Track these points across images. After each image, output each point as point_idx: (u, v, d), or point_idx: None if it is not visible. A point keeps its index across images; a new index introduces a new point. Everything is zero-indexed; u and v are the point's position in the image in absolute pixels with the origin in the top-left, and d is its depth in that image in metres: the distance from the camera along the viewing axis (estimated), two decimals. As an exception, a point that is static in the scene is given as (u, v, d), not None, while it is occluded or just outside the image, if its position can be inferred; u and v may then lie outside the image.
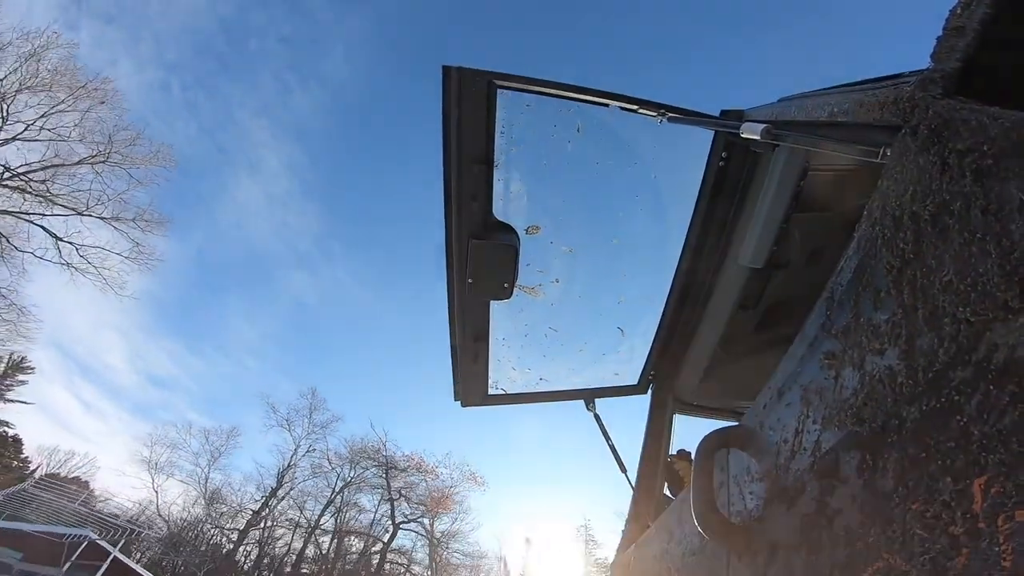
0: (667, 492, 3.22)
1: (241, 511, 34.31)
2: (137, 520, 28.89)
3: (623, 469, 3.36)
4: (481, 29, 47.66)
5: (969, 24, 0.76)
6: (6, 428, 31.68)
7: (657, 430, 3.28)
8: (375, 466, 35.31)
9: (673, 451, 3.25)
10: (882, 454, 0.66)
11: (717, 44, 48.17)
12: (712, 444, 1.19)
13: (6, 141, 23.26)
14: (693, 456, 1.19)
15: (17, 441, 32.71)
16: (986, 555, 0.46)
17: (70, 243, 24.49)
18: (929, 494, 0.56)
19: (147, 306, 43.99)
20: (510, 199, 2.27)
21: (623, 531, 3.22)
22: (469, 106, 1.96)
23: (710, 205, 2.35)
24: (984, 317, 0.54)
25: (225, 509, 34.37)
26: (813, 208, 2.04)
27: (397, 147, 47.87)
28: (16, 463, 33.13)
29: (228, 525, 33.81)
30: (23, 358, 27.73)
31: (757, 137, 1.55)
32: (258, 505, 34.20)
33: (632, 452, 3.39)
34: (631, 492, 3.26)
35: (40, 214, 24.07)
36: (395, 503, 34.84)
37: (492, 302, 2.55)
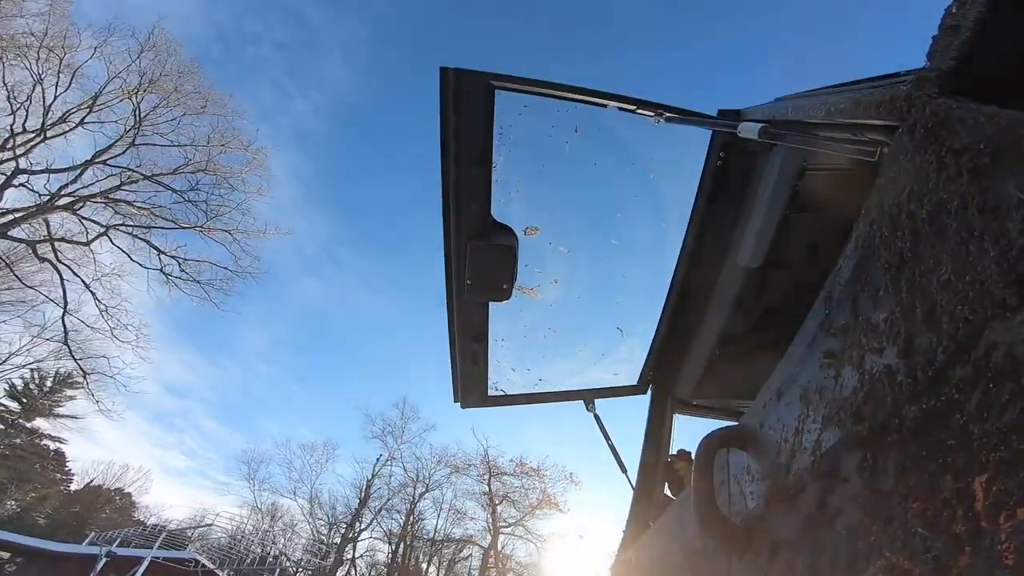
0: (667, 493, 3.22)
1: (336, 524, 34.46)
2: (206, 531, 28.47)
3: (623, 469, 3.36)
4: (477, 29, 47.70)
5: (964, 23, 0.77)
6: (47, 443, 31.63)
7: (657, 430, 3.28)
8: (477, 471, 35.27)
9: (673, 451, 3.25)
10: (883, 453, 0.66)
11: (712, 44, 48.29)
12: (712, 444, 1.19)
13: (132, 146, 22.14)
14: (693, 456, 1.19)
15: (60, 455, 32.92)
16: (989, 553, 0.46)
17: (173, 257, 23.18)
18: (930, 493, 0.56)
19: (157, 314, 44.06)
20: (509, 200, 2.27)
21: (623, 532, 3.22)
22: (467, 107, 1.96)
23: (708, 205, 2.35)
24: (982, 315, 0.54)
25: (324, 525, 34.48)
26: (811, 207, 2.04)
27: (400, 148, 47.86)
28: (59, 475, 33.43)
29: (329, 541, 33.85)
30: (70, 373, 26.76)
31: (755, 137, 1.55)
32: (350, 517, 34.27)
33: (632, 452, 3.39)
34: (631, 493, 3.25)
35: (144, 227, 22.79)
36: (497, 508, 34.48)
37: (491, 303, 2.54)
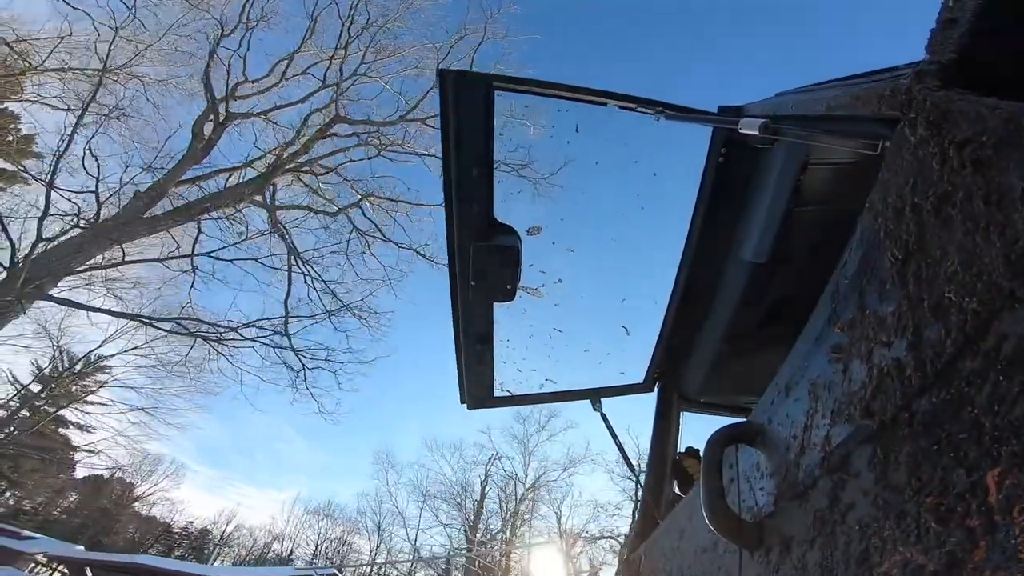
0: (676, 490, 3.22)
1: (460, 527, 34.47)
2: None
3: (631, 467, 3.35)
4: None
5: (962, 16, 0.77)
6: (60, 430, 30.77)
7: (664, 428, 3.27)
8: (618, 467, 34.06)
9: (681, 449, 3.25)
10: (894, 447, 0.66)
11: (709, 42, 48.09)
12: (720, 441, 1.19)
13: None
14: (701, 453, 1.19)
15: (68, 442, 31.94)
16: (1003, 547, 0.46)
17: (365, 235, 18.63)
18: (943, 487, 0.55)
19: (155, 311, 43.92)
20: (511, 200, 2.27)
21: (632, 529, 3.21)
22: (467, 109, 1.96)
23: (711, 201, 2.34)
24: (991, 307, 0.54)
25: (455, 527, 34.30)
26: (814, 202, 2.03)
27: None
28: (68, 467, 32.96)
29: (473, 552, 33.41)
30: (100, 357, 24.72)
31: (756, 132, 1.54)
32: (472, 519, 34.19)
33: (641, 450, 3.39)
34: (640, 490, 3.25)
35: (394, 200, 18.45)
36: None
37: (495, 304, 2.55)
